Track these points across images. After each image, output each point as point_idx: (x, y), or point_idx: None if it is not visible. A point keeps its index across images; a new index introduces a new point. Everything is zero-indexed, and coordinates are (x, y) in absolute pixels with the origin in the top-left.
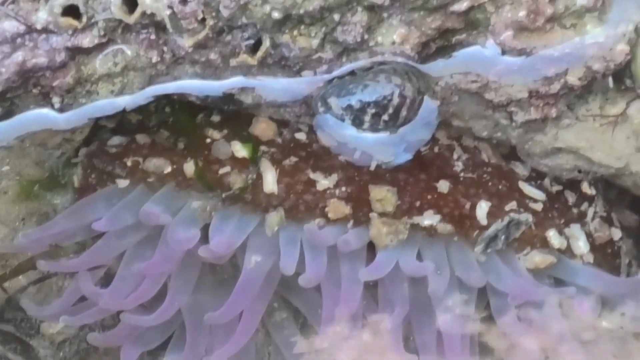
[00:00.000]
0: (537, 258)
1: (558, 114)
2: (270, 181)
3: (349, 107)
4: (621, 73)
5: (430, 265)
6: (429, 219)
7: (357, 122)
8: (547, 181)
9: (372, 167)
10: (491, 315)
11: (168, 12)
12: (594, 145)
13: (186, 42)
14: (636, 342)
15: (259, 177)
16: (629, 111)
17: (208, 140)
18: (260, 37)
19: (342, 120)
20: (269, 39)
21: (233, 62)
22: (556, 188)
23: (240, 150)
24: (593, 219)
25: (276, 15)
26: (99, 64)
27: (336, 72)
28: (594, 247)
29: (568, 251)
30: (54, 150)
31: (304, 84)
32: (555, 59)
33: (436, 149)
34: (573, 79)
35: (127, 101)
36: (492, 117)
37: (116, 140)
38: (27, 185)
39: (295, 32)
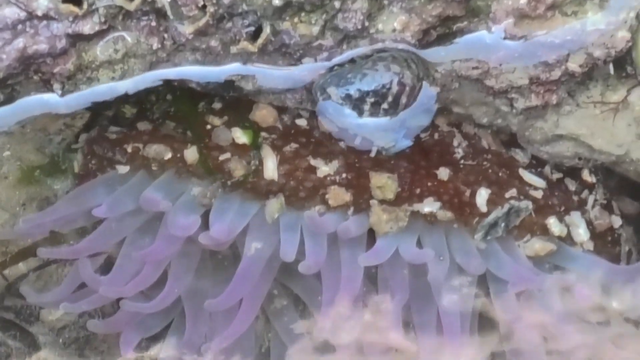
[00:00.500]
0: (537, 245)
1: (559, 100)
2: (270, 168)
3: (348, 97)
4: (622, 60)
5: (430, 252)
6: (429, 206)
7: (357, 111)
8: (547, 168)
9: (373, 154)
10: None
11: None
12: (595, 132)
13: (187, 29)
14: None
15: (260, 163)
16: (629, 98)
17: (209, 126)
18: (261, 24)
19: (342, 107)
20: (269, 26)
21: (233, 49)
22: (556, 175)
23: (241, 136)
24: (593, 206)
25: (277, 2)
26: (100, 50)
27: (336, 60)
28: (594, 235)
29: (568, 239)
30: (55, 136)
31: (304, 71)
32: (556, 45)
33: (436, 136)
34: (574, 65)
35: (127, 86)
36: (493, 104)
37: (117, 127)
38: (27, 171)
39: (295, 19)
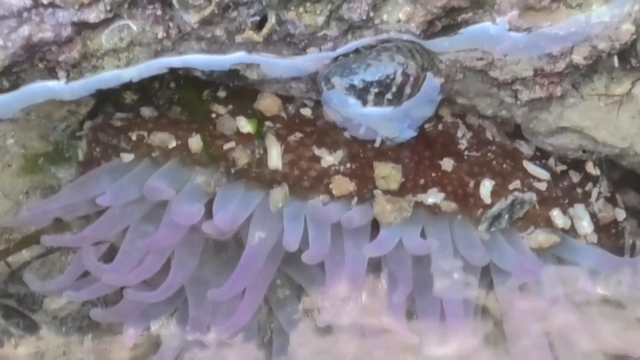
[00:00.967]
0: (541, 237)
1: (563, 92)
2: (275, 157)
3: (352, 87)
4: (627, 52)
5: (434, 243)
6: (433, 196)
7: (361, 101)
8: (551, 161)
9: (377, 144)
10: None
11: None
12: (599, 124)
13: (192, 18)
14: (631, 311)
15: (264, 152)
16: (634, 91)
17: (213, 115)
18: (266, 14)
19: (347, 97)
20: (274, 16)
21: (238, 38)
22: (560, 168)
23: (245, 125)
24: (597, 199)
25: None
26: (105, 39)
27: (341, 50)
28: (598, 228)
29: (572, 231)
30: (59, 123)
31: (309, 61)
32: (560, 37)
33: (440, 127)
34: (578, 57)
35: (132, 73)
36: (497, 95)
37: (121, 114)
38: (31, 159)
39: (301, 9)
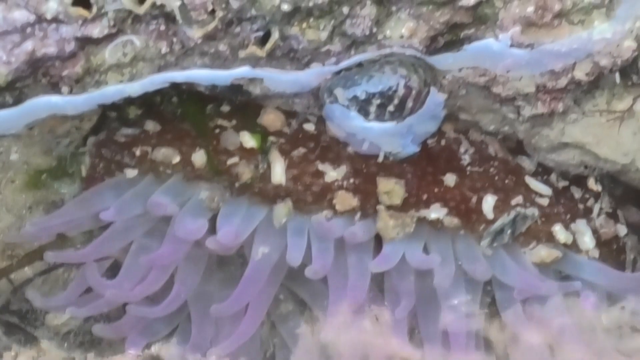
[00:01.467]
0: (543, 252)
1: (565, 108)
2: (278, 172)
3: (355, 98)
4: (628, 69)
5: (437, 258)
6: (435, 212)
7: (363, 113)
8: (553, 176)
9: (380, 159)
10: (494, 310)
11: (178, 3)
12: (601, 140)
13: (195, 33)
14: (636, 337)
15: (268, 167)
16: (635, 107)
17: (217, 130)
18: (269, 29)
19: (349, 110)
20: (277, 31)
21: (242, 53)
22: (562, 183)
23: (249, 140)
24: (599, 214)
25: (285, 7)
26: (109, 54)
27: (344, 64)
28: (600, 243)
29: (574, 246)
30: (63, 139)
31: (312, 75)
32: (562, 54)
33: (443, 142)
34: (580, 74)
35: (134, 88)
36: (500, 111)
37: (125, 129)
38: (34, 174)
39: (304, 25)
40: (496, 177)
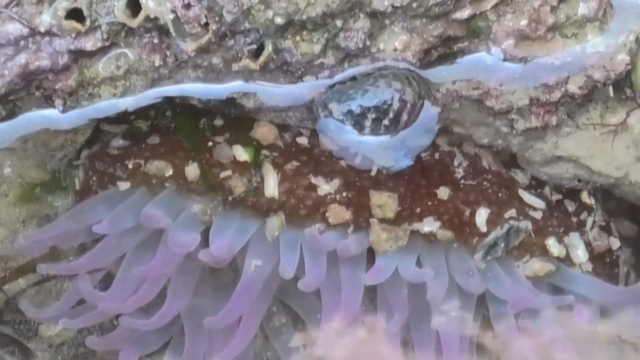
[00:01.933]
0: (537, 266)
1: (558, 122)
2: (271, 185)
3: (350, 112)
4: (622, 82)
5: (430, 271)
6: (428, 225)
7: (358, 127)
8: (547, 190)
9: (373, 173)
10: (488, 321)
11: (171, 16)
12: (594, 154)
13: (189, 47)
14: (632, 350)
15: (261, 181)
16: (629, 120)
17: (210, 143)
18: (263, 42)
19: (343, 124)
20: (271, 44)
21: (235, 66)
22: (556, 197)
23: (242, 154)
24: (592, 228)
25: (279, 20)
26: (102, 67)
27: (337, 77)
28: (593, 256)
29: (567, 260)
30: (56, 152)
31: (305, 89)
32: (556, 67)
33: (437, 156)
34: (574, 87)
35: (128, 103)
36: (493, 125)
37: (118, 142)
38: (28, 188)
39: (297, 38)
40: (489, 191)
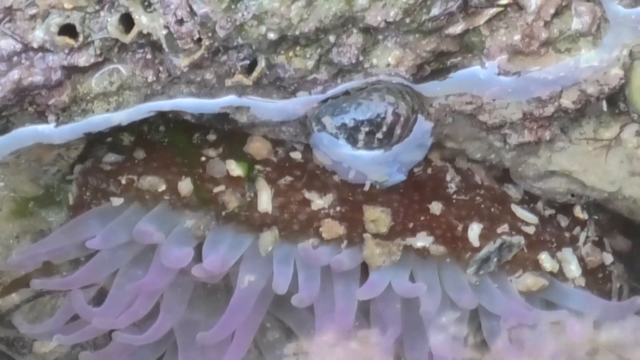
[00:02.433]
0: (529, 280)
1: (552, 136)
2: (265, 200)
3: (343, 126)
4: (615, 97)
5: (423, 286)
6: (421, 240)
7: (352, 141)
8: (540, 204)
9: (367, 187)
10: (483, 340)
11: (164, 32)
12: (587, 168)
13: (182, 62)
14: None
15: (254, 196)
16: (622, 135)
17: (203, 158)
18: (256, 58)
19: (337, 138)
20: (264, 60)
21: (228, 82)
22: (549, 212)
23: (235, 169)
24: (585, 243)
25: (272, 36)
26: (95, 82)
27: (330, 92)
28: (586, 271)
29: (560, 275)
30: (49, 167)
31: (298, 104)
32: (549, 82)
33: (430, 171)
34: (567, 102)
35: (121, 117)
36: (486, 139)
37: (111, 157)
38: (21, 202)
39: (290, 53)
40: (482, 206)
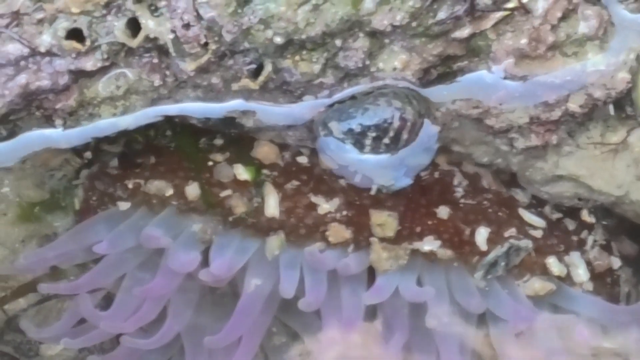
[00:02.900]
0: (537, 285)
1: (559, 141)
2: (272, 205)
3: (350, 131)
4: (622, 101)
5: (431, 290)
6: (429, 244)
7: (359, 146)
8: (547, 208)
9: (373, 192)
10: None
11: (171, 36)
12: (595, 173)
13: (188, 66)
14: None
15: (261, 200)
16: (629, 139)
17: (210, 163)
18: (262, 62)
19: (344, 143)
20: (270, 64)
21: (235, 86)
22: (556, 215)
23: (243, 173)
24: (592, 247)
25: (278, 40)
26: (102, 87)
27: (337, 96)
28: (594, 276)
29: (568, 279)
30: (55, 172)
31: (305, 108)
32: (556, 85)
33: (436, 175)
34: (574, 106)
35: (128, 122)
36: (493, 143)
37: (117, 162)
38: (27, 207)
39: (297, 57)
40: (489, 210)
